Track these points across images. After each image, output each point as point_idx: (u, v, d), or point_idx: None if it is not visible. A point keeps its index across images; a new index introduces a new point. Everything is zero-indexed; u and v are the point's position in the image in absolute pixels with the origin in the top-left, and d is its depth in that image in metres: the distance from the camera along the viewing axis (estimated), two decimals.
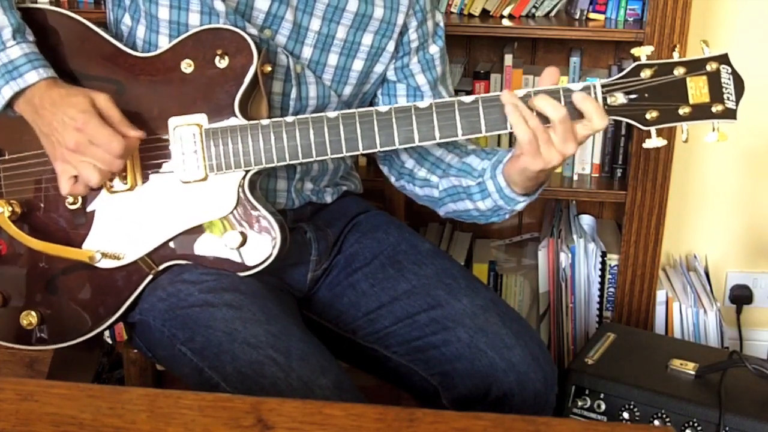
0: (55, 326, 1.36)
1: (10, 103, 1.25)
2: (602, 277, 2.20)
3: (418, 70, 1.49)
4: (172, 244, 1.33)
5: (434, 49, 1.50)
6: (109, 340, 2.29)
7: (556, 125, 1.23)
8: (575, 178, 2.18)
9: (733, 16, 2.20)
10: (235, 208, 1.30)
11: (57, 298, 1.35)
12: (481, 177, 1.39)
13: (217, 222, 1.31)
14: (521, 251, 2.42)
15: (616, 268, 2.18)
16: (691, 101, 1.25)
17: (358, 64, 1.43)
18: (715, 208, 2.36)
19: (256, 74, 1.28)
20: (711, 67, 1.25)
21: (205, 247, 1.32)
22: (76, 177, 1.26)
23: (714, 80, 1.25)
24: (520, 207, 1.37)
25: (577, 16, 2.10)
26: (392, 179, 1.56)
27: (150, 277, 1.33)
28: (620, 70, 2.10)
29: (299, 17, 1.36)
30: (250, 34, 1.29)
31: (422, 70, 1.49)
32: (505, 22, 2.10)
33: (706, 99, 1.25)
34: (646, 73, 1.25)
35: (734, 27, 2.20)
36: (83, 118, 1.22)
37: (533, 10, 2.12)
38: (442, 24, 1.51)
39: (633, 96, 1.26)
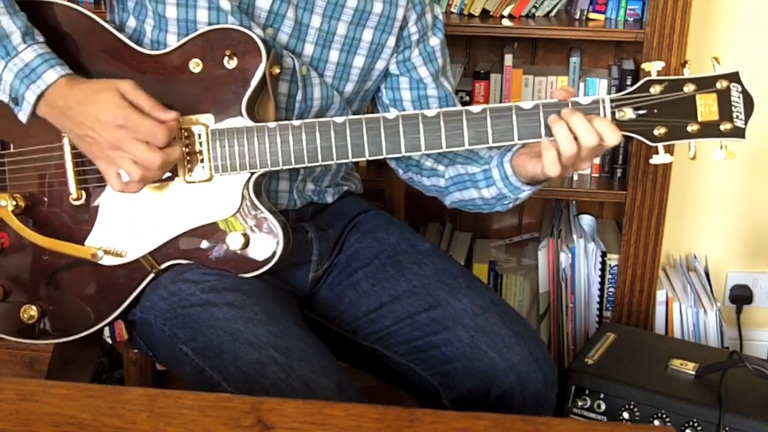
0: (56, 321, 1.36)
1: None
2: (602, 277, 2.20)
3: (420, 62, 1.49)
4: (174, 244, 1.33)
5: (434, 41, 1.50)
6: (109, 340, 2.29)
7: (583, 147, 1.25)
8: (575, 178, 2.18)
9: (732, 17, 2.20)
10: (239, 209, 1.30)
11: (58, 293, 1.36)
12: (487, 164, 1.40)
13: (220, 223, 1.31)
14: (521, 251, 2.42)
15: (616, 268, 2.18)
16: (699, 119, 1.25)
17: (359, 61, 1.43)
18: (715, 208, 2.36)
19: (264, 76, 1.28)
20: (721, 85, 1.24)
21: (207, 247, 1.32)
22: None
23: (724, 98, 1.24)
24: (524, 196, 1.38)
25: (577, 16, 2.10)
26: (399, 172, 1.56)
27: (152, 275, 1.33)
28: (620, 70, 2.12)
29: (300, 15, 1.36)
30: (256, 35, 1.29)
31: (424, 62, 1.49)
32: (505, 22, 2.10)
33: (715, 117, 1.25)
34: (655, 89, 1.25)
35: (734, 27, 2.20)
36: (123, 115, 1.20)
37: (533, 10, 2.12)
38: (441, 16, 1.51)
39: (642, 111, 1.25)
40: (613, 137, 1.24)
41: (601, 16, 2.10)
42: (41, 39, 1.26)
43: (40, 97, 1.23)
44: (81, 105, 1.22)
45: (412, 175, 1.54)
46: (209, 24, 1.31)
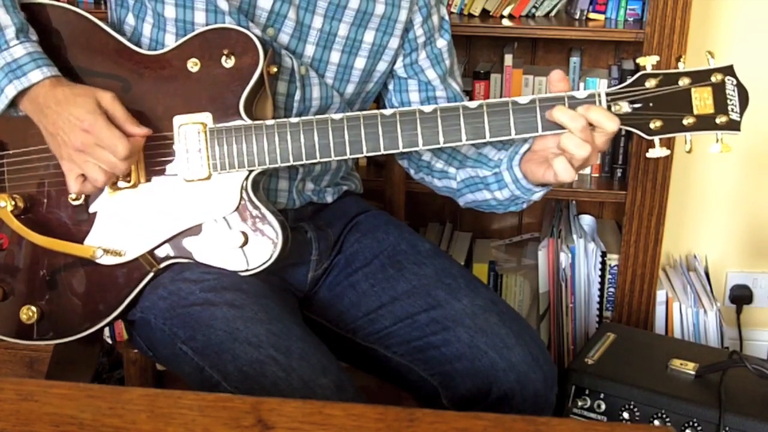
0: (55, 322, 1.36)
1: (14, 102, 1.25)
2: (602, 277, 2.21)
3: (428, 65, 1.49)
4: (173, 243, 1.33)
5: (441, 43, 1.50)
6: (109, 340, 2.29)
7: (596, 144, 1.24)
8: (575, 178, 2.18)
9: (732, 17, 2.20)
10: (238, 207, 1.30)
11: (57, 293, 1.35)
12: (497, 168, 1.40)
13: (219, 221, 1.31)
14: (521, 251, 2.42)
15: (616, 268, 2.18)
16: (695, 112, 1.25)
17: (360, 62, 1.43)
18: (715, 208, 2.36)
19: (261, 75, 1.29)
20: (716, 78, 1.25)
21: (206, 246, 1.32)
22: (83, 176, 1.26)
23: (719, 91, 1.25)
24: (537, 197, 1.38)
25: (577, 16, 2.10)
26: (411, 172, 1.56)
27: (151, 274, 1.33)
28: (620, 70, 2.12)
29: (301, 15, 1.37)
30: (254, 34, 1.29)
31: (431, 65, 1.49)
32: (505, 22, 2.10)
33: (711, 110, 1.25)
34: (650, 83, 1.25)
35: (734, 27, 2.20)
36: (90, 119, 1.22)
37: (533, 10, 2.12)
38: (447, 17, 1.51)
39: (637, 105, 1.26)
40: (610, 124, 1.23)
41: (601, 16, 2.11)
42: (35, 38, 1.26)
43: (22, 93, 1.24)
44: (58, 105, 1.23)
45: (423, 176, 1.54)
46: (207, 25, 1.31)
